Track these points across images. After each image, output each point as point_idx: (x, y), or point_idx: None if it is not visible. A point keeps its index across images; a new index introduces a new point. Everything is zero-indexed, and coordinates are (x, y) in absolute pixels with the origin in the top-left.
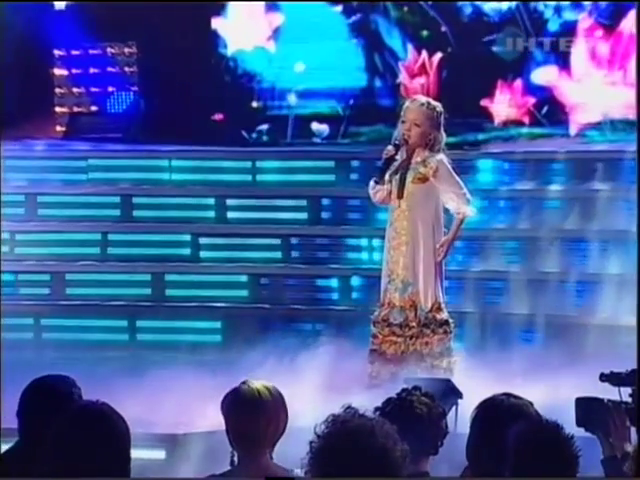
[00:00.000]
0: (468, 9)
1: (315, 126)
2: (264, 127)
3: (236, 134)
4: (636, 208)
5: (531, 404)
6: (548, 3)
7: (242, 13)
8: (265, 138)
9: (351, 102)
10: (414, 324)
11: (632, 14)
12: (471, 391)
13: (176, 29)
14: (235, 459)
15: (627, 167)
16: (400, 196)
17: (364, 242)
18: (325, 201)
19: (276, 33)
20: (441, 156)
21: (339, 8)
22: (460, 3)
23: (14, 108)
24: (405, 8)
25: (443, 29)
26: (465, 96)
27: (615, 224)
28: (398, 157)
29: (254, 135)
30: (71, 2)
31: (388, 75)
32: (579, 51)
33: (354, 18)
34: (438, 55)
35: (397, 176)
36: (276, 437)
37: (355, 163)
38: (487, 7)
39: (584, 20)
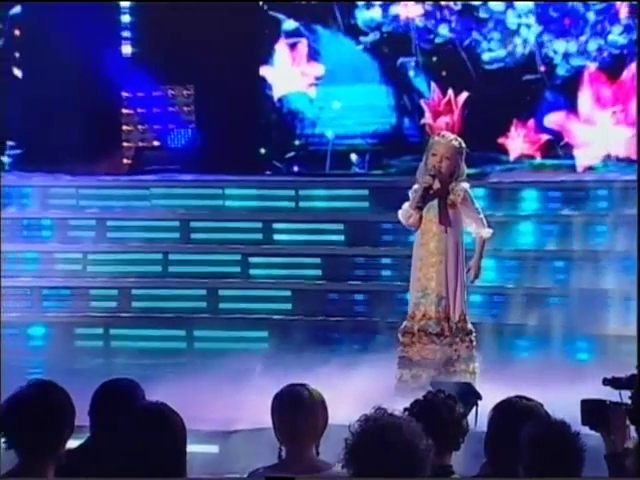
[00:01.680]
0: (487, 54)
1: (353, 157)
2: (306, 160)
3: (281, 165)
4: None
5: (541, 405)
6: (558, 50)
7: (286, 62)
8: (306, 169)
9: (382, 138)
10: (448, 333)
11: (633, 65)
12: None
13: (228, 74)
14: (283, 454)
15: (629, 194)
16: (441, 221)
17: (394, 261)
18: (359, 225)
19: (316, 81)
20: (466, 185)
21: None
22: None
23: (88, 143)
24: (433, 55)
25: (465, 72)
26: (484, 132)
27: (617, 244)
28: (434, 187)
29: (297, 166)
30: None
31: (415, 113)
32: (585, 95)
33: (385, 63)
34: (464, 94)
35: (433, 202)
36: (317, 434)
37: (386, 192)
38: (504, 52)
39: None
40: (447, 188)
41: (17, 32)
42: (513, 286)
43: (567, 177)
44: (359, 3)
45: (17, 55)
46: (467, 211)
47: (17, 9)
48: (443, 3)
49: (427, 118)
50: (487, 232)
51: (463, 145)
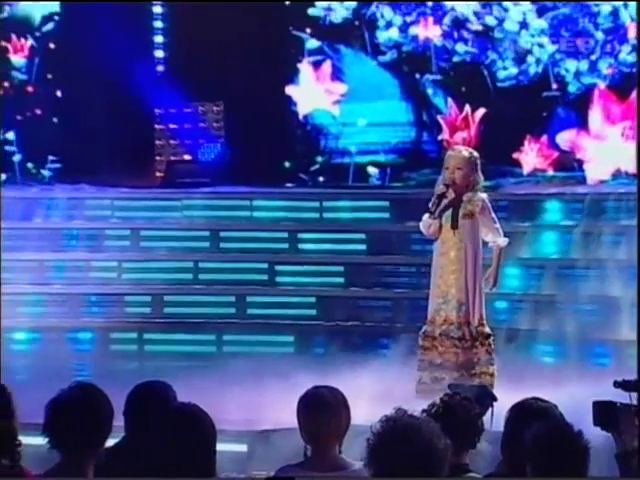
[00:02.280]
0: (502, 73)
1: (371, 169)
2: (329, 173)
3: (305, 178)
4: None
5: (556, 407)
6: (569, 69)
7: (311, 80)
8: (330, 182)
9: (402, 152)
10: (469, 337)
11: None
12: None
13: (256, 91)
14: (308, 452)
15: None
16: (460, 231)
17: (413, 269)
18: (380, 235)
19: (339, 99)
20: (484, 195)
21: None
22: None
23: (123, 157)
24: (451, 73)
25: (481, 90)
26: (499, 147)
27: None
28: (448, 195)
29: (321, 179)
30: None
31: (434, 129)
32: (595, 112)
33: (405, 81)
34: (481, 111)
35: (448, 212)
36: (340, 433)
37: (406, 203)
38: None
39: (600, 85)
40: (462, 198)
41: (52, 45)
42: (535, 292)
43: (580, 189)
44: (380, 24)
45: (54, 74)
46: (484, 220)
47: (50, 26)
48: (460, 23)
49: (445, 134)
50: (503, 241)
51: (475, 155)
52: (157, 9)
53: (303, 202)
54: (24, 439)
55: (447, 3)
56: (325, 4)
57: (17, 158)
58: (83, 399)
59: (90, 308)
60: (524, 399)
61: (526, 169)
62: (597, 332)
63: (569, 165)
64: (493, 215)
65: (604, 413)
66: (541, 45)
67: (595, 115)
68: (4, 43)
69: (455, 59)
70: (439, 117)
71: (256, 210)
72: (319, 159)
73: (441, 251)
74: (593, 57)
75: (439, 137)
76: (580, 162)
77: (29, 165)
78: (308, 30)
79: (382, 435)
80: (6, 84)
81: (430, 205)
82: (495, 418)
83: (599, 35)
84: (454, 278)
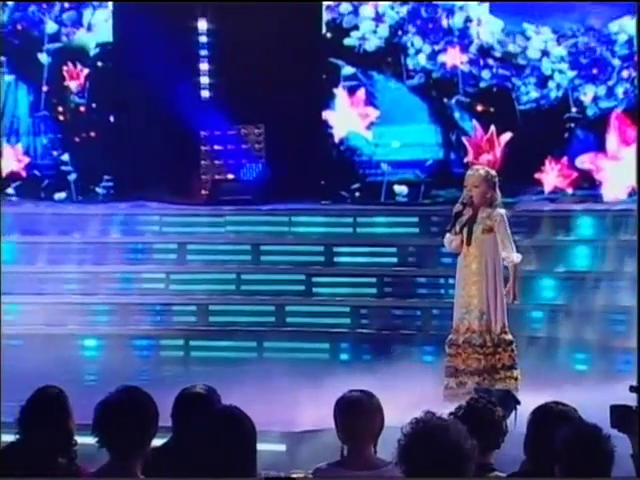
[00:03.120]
0: (525, 97)
1: (397, 188)
2: (363, 191)
3: (340, 195)
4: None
5: (575, 410)
6: (588, 93)
7: (345, 105)
8: (363, 199)
9: (431, 171)
10: (490, 344)
11: None
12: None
13: (294, 115)
14: (344, 452)
15: None
16: (468, 244)
17: (440, 280)
18: (410, 248)
19: (372, 122)
20: (502, 211)
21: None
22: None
23: (170, 176)
24: (477, 97)
25: (505, 113)
26: (522, 167)
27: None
28: (465, 213)
29: (355, 196)
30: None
31: (460, 149)
32: (612, 135)
33: (434, 105)
34: (507, 135)
35: (473, 228)
36: (375, 434)
37: (434, 219)
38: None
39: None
40: (482, 215)
41: (105, 72)
42: (567, 303)
43: (598, 207)
44: (410, 52)
45: (107, 99)
46: (500, 235)
47: (103, 54)
48: (485, 51)
49: (470, 155)
50: (517, 257)
51: (492, 174)
52: (203, 39)
53: (338, 218)
54: (85, 439)
55: (473, 32)
56: (359, 34)
57: (73, 177)
58: (129, 402)
59: (139, 316)
60: (545, 402)
61: (547, 188)
62: (621, 341)
63: (588, 184)
64: (509, 231)
65: (621, 416)
66: (561, 71)
67: (612, 137)
68: (62, 70)
69: (481, 84)
70: (464, 139)
71: (294, 225)
72: (354, 178)
73: (463, 264)
74: (610, 83)
75: (465, 159)
76: (598, 182)
77: (84, 184)
78: (344, 58)
79: (412, 436)
80: (61, 108)
81: (450, 224)
82: (518, 420)
83: (616, 62)
84: (476, 289)
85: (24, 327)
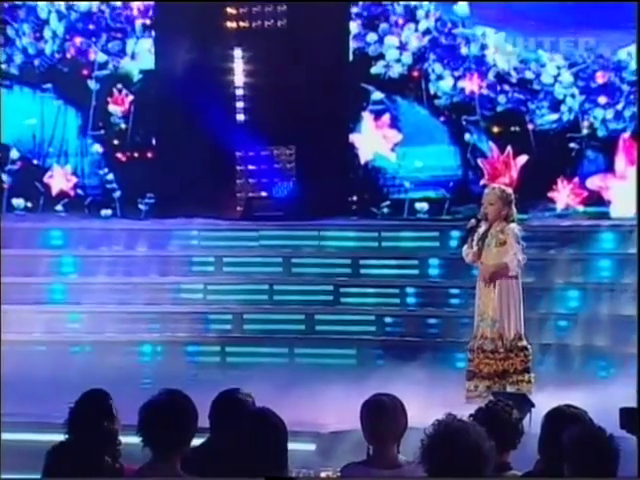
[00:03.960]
0: (539, 120)
1: (419, 205)
2: (387, 207)
3: (366, 212)
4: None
5: (586, 413)
6: (597, 116)
7: (371, 128)
8: (387, 215)
9: (450, 189)
10: (502, 350)
11: None
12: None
13: (323, 138)
14: (370, 452)
15: None
16: (478, 258)
17: (460, 291)
18: (431, 261)
19: (396, 144)
20: (514, 225)
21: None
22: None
23: (208, 194)
24: (494, 120)
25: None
26: (536, 186)
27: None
28: (480, 227)
29: (380, 212)
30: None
31: (478, 169)
32: (620, 156)
33: (453, 128)
34: (523, 158)
35: (488, 242)
36: (398, 435)
37: (454, 233)
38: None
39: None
40: (497, 229)
41: (147, 97)
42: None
43: (607, 223)
44: (431, 77)
45: (149, 122)
46: (508, 246)
47: (139, 77)
48: (501, 77)
49: (486, 177)
50: (510, 260)
51: (508, 192)
52: (238, 66)
53: (364, 233)
54: (127, 438)
55: (489, 60)
56: (384, 62)
57: (117, 195)
58: (170, 404)
59: (180, 325)
60: (558, 405)
61: (559, 205)
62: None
63: (597, 202)
64: (515, 243)
65: (629, 418)
66: (573, 96)
67: (620, 158)
68: (108, 95)
69: (497, 108)
70: (480, 161)
71: (323, 240)
72: (378, 196)
73: (480, 275)
74: (619, 107)
75: (482, 181)
76: (607, 200)
77: (128, 201)
78: (370, 84)
79: (435, 437)
80: (107, 131)
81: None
82: (533, 422)
83: (624, 87)
84: (489, 299)
85: (83, 334)
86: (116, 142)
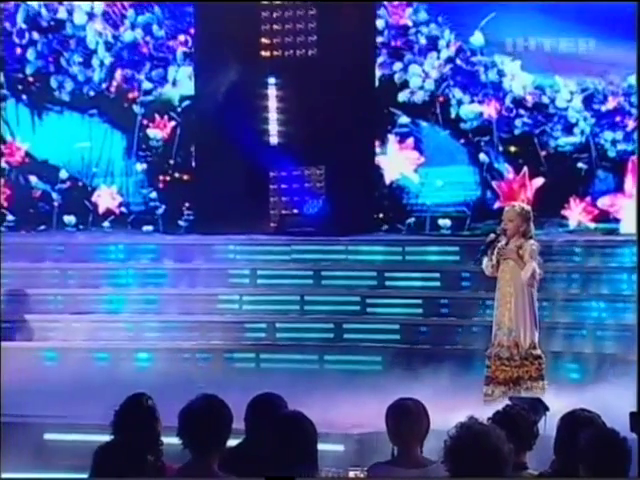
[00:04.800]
0: (553, 142)
1: (440, 221)
2: (410, 223)
3: (391, 227)
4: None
5: (599, 416)
6: (607, 138)
7: (396, 150)
8: (411, 230)
9: (470, 206)
10: (517, 358)
11: None
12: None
13: (351, 159)
14: (395, 452)
15: None
16: (513, 271)
17: (479, 302)
18: (452, 274)
19: (418, 164)
20: (532, 241)
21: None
22: (552, 138)
23: (243, 211)
24: (510, 142)
25: (535, 156)
26: (550, 204)
27: None
28: (500, 242)
29: (404, 228)
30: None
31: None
32: (630, 176)
33: (472, 149)
34: (540, 180)
35: (507, 256)
36: (422, 437)
37: (473, 248)
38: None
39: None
40: (516, 244)
41: (188, 121)
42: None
43: (618, 238)
44: (452, 102)
45: (189, 144)
46: (525, 261)
47: (180, 102)
48: (518, 102)
49: (501, 199)
50: (524, 274)
51: (526, 209)
52: (271, 92)
53: (389, 247)
54: (168, 439)
55: (506, 85)
56: (408, 88)
57: (160, 211)
58: (207, 408)
59: (217, 333)
60: (573, 409)
61: (572, 223)
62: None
63: (607, 220)
64: (529, 258)
65: (638, 421)
66: (585, 119)
67: (629, 179)
68: (151, 119)
69: (514, 131)
70: (494, 183)
71: (351, 254)
72: (402, 213)
73: (498, 287)
74: (628, 129)
75: (496, 204)
76: (617, 218)
77: (169, 218)
78: (395, 109)
79: (457, 439)
80: (150, 153)
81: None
82: (548, 424)
83: (634, 111)
84: (506, 310)
85: (128, 342)
86: (158, 163)
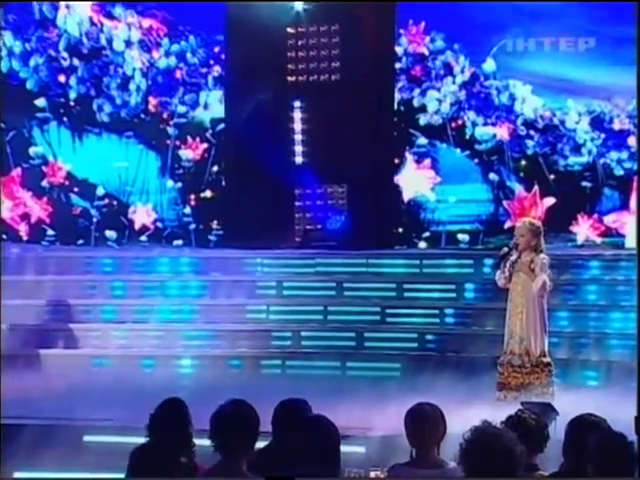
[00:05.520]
0: (562, 161)
1: (456, 236)
2: (428, 238)
3: (409, 242)
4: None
5: (605, 420)
6: (613, 157)
7: (413, 170)
8: (428, 245)
9: (483, 222)
10: (528, 365)
11: None
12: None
13: (371, 178)
14: (413, 454)
15: None
16: (524, 283)
17: (492, 312)
18: (467, 285)
19: (435, 183)
20: (542, 255)
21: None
22: (561, 158)
23: (270, 226)
24: (521, 161)
25: (545, 175)
26: (559, 221)
27: None
28: (512, 256)
29: (421, 242)
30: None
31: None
32: (635, 194)
33: (486, 168)
34: (551, 200)
35: (518, 269)
36: (438, 439)
37: (487, 261)
38: (576, 161)
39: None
40: (527, 258)
41: (218, 141)
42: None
43: (622, 252)
44: (467, 123)
45: (219, 164)
46: (536, 274)
47: (211, 124)
48: (528, 124)
49: (512, 219)
50: (535, 285)
51: (537, 225)
52: (296, 115)
53: (407, 260)
54: (200, 441)
55: (518, 108)
56: (425, 111)
57: (192, 227)
58: (236, 412)
59: (244, 341)
60: (581, 414)
61: (580, 238)
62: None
63: (613, 235)
64: (540, 271)
65: None
66: (592, 139)
67: (634, 196)
68: (184, 140)
69: (525, 151)
70: (505, 203)
71: (371, 266)
72: (419, 228)
73: (510, 298)
74: (632, 149)
75: (507, 224)
76: (622, 233)
77: (201, 233)
78: (413, 130)
79: (472, 441)
80: (183, 172)
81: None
82: (557, 428)
83: (637, 131)
84: (518, 320)
85: (160, 349)
86: (191, 182)
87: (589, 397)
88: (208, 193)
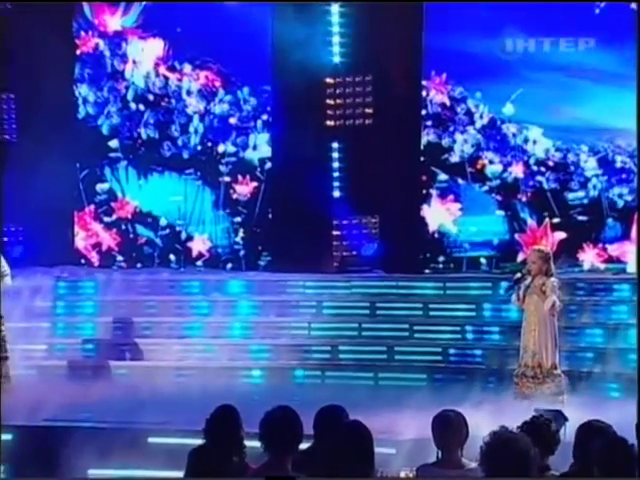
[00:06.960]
0: (571, 195)
1: (475, 261)
2: (451, 263)
3: (434, 267)
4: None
5: (610, 426)
6: (615, 192)
7: (437, 204)
8: (451, 269)
9: (500, 249)
10: (540, 376)
11: None
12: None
13: (400, 210)
14: (439, 455)
15: None
16: (536, 303)
17: (508, 329)
18: (486, 305)
19: (456, 215)
20: (553, 278)
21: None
22: (569, 192)
23: (311, 253)
24: (534, 196)
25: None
26: (567, 249)
27: None
28: (525, 280)
29: (443, 266)
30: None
31: (521, 233)
32: (635, 226)
33: (502, 202)
34: (562, 234)
35: (531, 291)
36: (461, 442)
37: (503, 283)
38: (583, 195)
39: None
40: (539, 282)
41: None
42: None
43: (625, 276)
44: (485, 162)
45: (264, 199)
46: (547, 295)
47: (259, 163)
48: (540, 162)
49: (524, 250)
50: (546, 304)
51: (546, 251)
52: (335, 155)
53: (432, 282)
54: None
55: (530, 149)
56: (449, 151)
57: (242, 253)
58: (282, 417)
59: (289, 354)
60: (588, 420)
61: (586, 264)
62: None
63: (616, 262)
64: (550, 292)
65: None
66: (597, 175)
67: (635, 226)
68: (235, 178)
69: (537, 185)
70: (517, 236)
71: (400, 288)
72: (443, 254)
73: (524, 317)
74: (633, 184)
75: (519, 256)
76: (624, 260)
77: (250, 258)
78: (438, 167)
79: (491, 444)
80: (235, 206)
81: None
82: (567, 433)
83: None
84: (531, 336)
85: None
86: (242, 215)
87: (597, 405)
88: (257, 224)
